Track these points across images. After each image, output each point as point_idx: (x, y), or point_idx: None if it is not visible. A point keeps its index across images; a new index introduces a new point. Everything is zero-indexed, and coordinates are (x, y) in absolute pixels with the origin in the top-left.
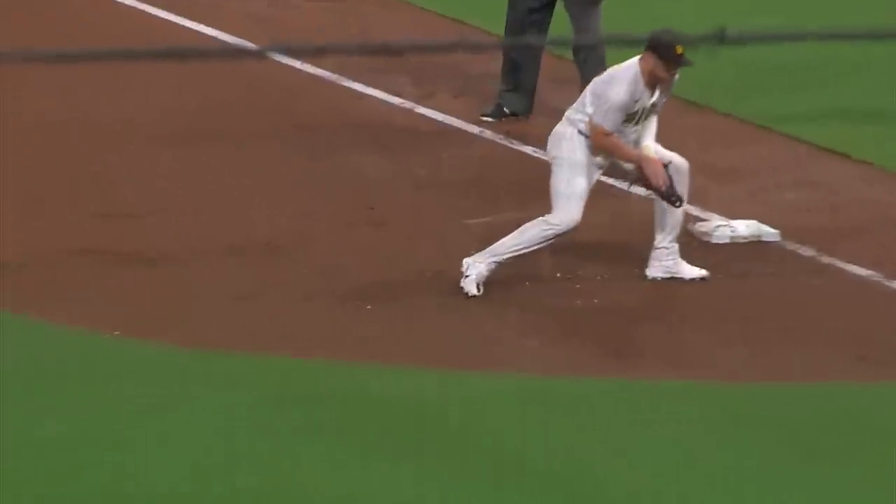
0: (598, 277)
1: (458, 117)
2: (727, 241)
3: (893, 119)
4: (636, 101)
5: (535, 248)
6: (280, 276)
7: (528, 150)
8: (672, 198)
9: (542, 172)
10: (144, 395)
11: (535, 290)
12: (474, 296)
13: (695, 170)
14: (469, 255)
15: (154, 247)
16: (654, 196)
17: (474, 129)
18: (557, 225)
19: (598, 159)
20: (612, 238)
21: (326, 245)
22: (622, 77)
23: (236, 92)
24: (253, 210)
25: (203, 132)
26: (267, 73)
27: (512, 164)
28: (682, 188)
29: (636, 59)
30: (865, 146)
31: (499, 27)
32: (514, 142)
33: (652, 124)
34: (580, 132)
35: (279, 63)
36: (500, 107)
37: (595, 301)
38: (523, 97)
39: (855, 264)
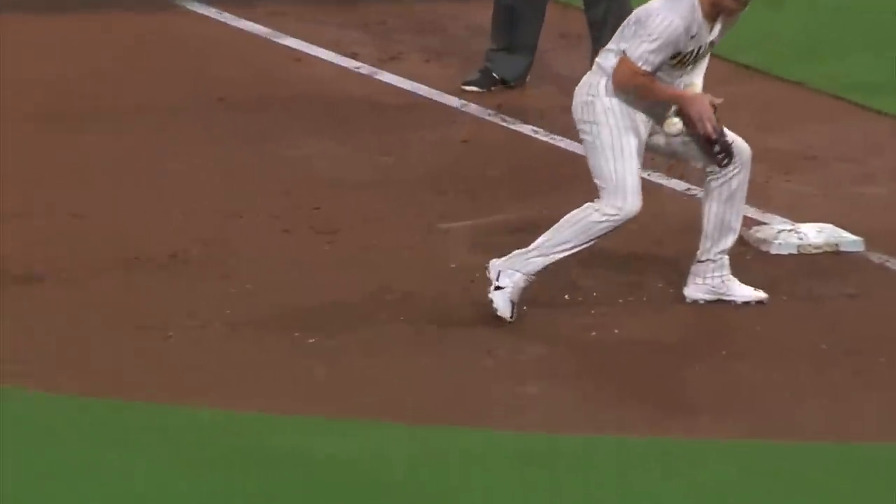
0: (621, 301)
1: (432, 86)
2: (794, 251)
3: None
4: (692, 38)
5: (586, 246)
6: (196, 297)
7: (527, 129)
8: (721, 154)
9: (544, 159)
10: (16, 458)
11: (537, 318)
12: (507, 320)
13: (754, 154)
14: (486, 264)
15: (33, 258)
16: (701, 163)
17: (454, 101)
18: (615, 215)
19: (643, 117)
20: (639, 247)
21: (257, 257)
22: (677, 3)
23: (138, 53)
24: (162, 211)
25: (95, 108)
26: (178, 27)
27: (504, 148)
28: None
29: None
30: None
31: None
32: (508, 119)
33: (702, 66)
34: None
35: (194, 13)
36: (487, 72)
37: (615, 332)
38: (519, 59)
39: None
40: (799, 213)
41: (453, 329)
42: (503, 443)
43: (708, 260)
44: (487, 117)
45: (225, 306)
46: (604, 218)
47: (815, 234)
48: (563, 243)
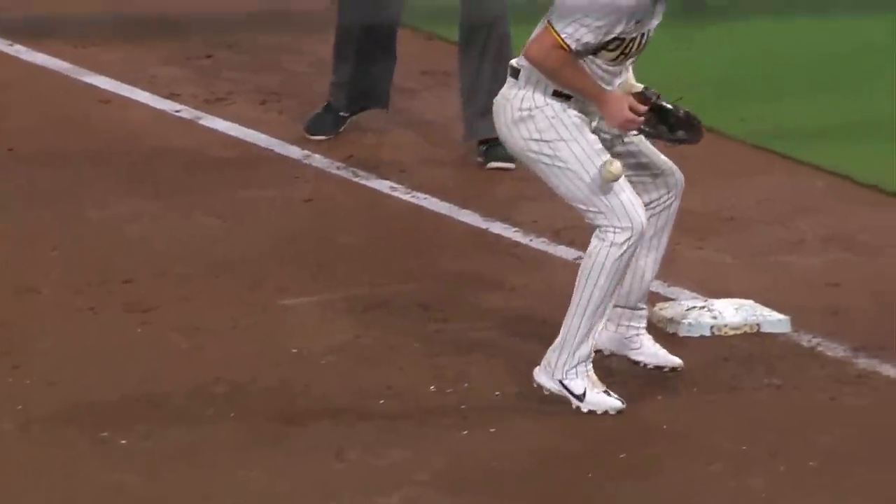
0: (498, 393)
1: (268, 134)
2: (707, 332)
3: None
4: (637, 22)
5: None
6: None
7: (384, 185)
8: (665, 136)
9: (405, 221)
10: None
11: (398, 413)
12: (622, 406)
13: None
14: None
15: None
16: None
17: (295, 152)
18: (630, 237)
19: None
20: (522, 327)
21: (57, 341)
22: None
23: None
24: None
25: None
26: None
27: (356, 208)
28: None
29: None
30: None
31: None
32: (360, 173)
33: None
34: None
35: None
36: (330, 111)
37: (491, 430)
38: (370, 86)
39: None
40: (713, 287)
41: (295, 428)
42: None
43: (626, 307)
44: (336, 171)
45: (17, 401)
46: (623, 247)
47: (733, 312)
48: (600, 301)
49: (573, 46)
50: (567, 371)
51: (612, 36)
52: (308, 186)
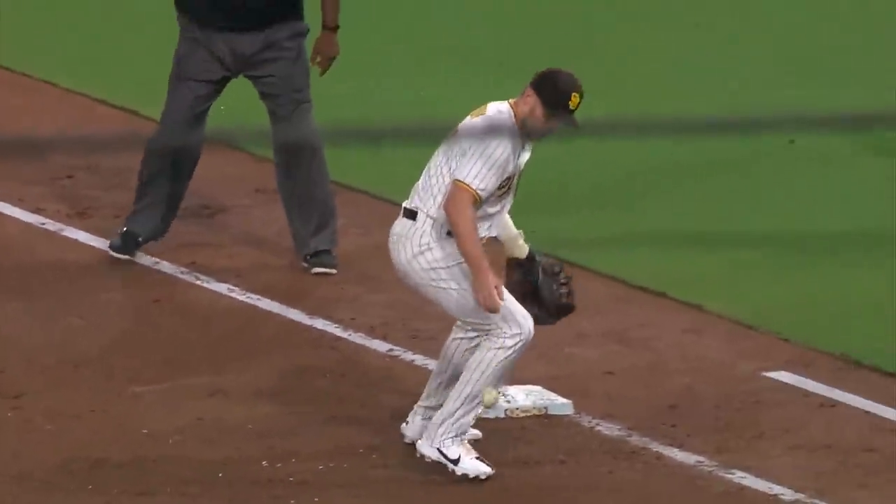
0: (321, 467)
1: None
2: (501, 414)
3: (725, 245)
4: (515, 160)
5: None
6: None
7: (222, 287)
8: (542, 319)
9: (242, 318)
10: None
11: (233, 490)
12: (491, 471)
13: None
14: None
15: None
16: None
17: (146, 259)
18: (520, 338)
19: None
20: (341, 408)
21: None
22: (500, 123)
23: None
24: None
25: None
26: None
27: (199, 307)
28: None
29: (502, 103)
30: (690, 284)
31: None
32: (202, 277)
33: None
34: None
35: None
36: (128, 234)
37: (315, 499)
38: (157, 215)
39: (682, 449)
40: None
41: (146, 498)
42: None
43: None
44: (180, 275)
45: None
46: (511, 350)
47: (524, 396)
48: (480, 390)
49: (483, 195)
50: (444, 440)
51: (507, 176)
52: (156, 289)
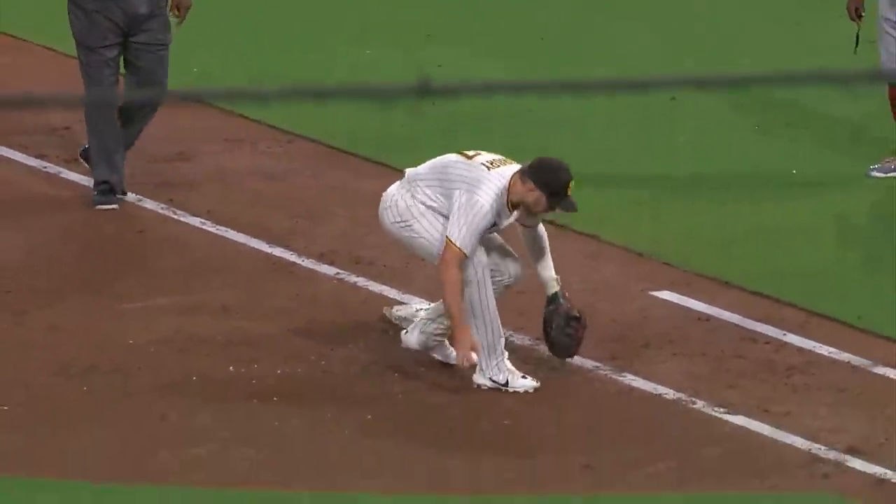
0: (279, 371)
1: None
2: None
3: (618, 185)
4: (499, 222)
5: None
6: None
7: (196, 221)
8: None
9: (213, 248)
10: None
11: (209, 386)
12: (534, 387)
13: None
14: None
15: None
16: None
17: (132, 196)
18: (474, 268)
19: None
20: (296, 309)
21: None
22: (491, 183)
23: None
24: None
25: None
26: None
27: (176, 238)
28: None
29: (509, 170)
30: (589, 219)
31: None
32: (179, 212)
33: (543, 247)
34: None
35: None
36: (101, 185)
37: (274, 399)
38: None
39: (582, 355)
40: (435, 296)
41: (132, 399)
42: (172, 498)
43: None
44: (160, 211)
45: None
46: (475, 278)
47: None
48: (482, 311)
49: (467, 252)
50: (490, 371)
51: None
52: (140, 222)
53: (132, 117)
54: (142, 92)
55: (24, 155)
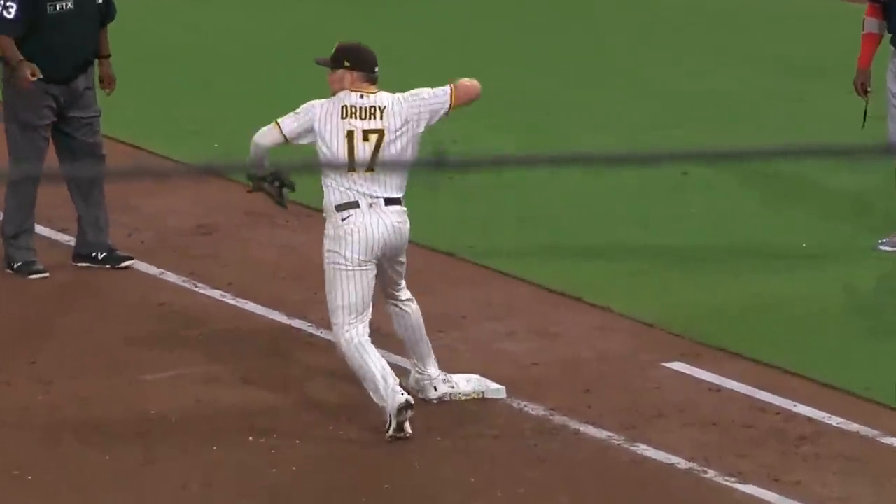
0: (297, 441)
1: (137, 258)
2: (446, 398)
3: (629, 257)
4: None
5: None
6: None
7: (216, 293)
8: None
9: (232, 321)
10: None
11: (219, 455)
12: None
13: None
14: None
15: None
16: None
17: (153, 269)
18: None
19: None
20: (316, 376)
21: None
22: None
23: None
24: None
25: None
26: None
27: (196, 310)
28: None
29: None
30: (600, 290)
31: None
32: (199, 285)
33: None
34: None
35: None
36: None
37: (293, 468)
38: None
39: (595, 426)
40: (449, 365)
41: (154, 466)
42: None
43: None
44: (181, 283)
45: None
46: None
47: (465, 383)
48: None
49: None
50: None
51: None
52: (162, 294)
53: (86, 191)
54: (85, 165)
55: (48, 229)
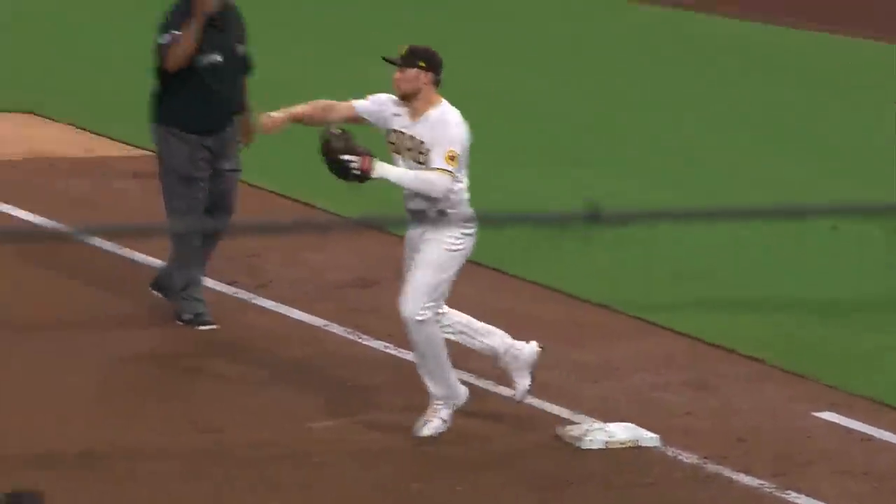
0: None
1: (301, 309)
2: (602, 446)
3: (781, 309)
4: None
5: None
6: None
7: (378, 344)
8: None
9: (393, 370)
10: None
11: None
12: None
13: (566, 367)
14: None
15: None
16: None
17: (320, 322)
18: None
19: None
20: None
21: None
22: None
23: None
24: None
25: None
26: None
27: (363, 361)
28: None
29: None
30: (753, 342)
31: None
32: (363, 336)
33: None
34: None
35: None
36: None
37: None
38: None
39: (748, 474)
40: (605, 415)
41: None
42: None
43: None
44: (346, 335)
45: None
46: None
47: (621, 431)
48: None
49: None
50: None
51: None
52: (327, 346)
53: (208, 242)
54: (217, 219)
55: (216, 281)
